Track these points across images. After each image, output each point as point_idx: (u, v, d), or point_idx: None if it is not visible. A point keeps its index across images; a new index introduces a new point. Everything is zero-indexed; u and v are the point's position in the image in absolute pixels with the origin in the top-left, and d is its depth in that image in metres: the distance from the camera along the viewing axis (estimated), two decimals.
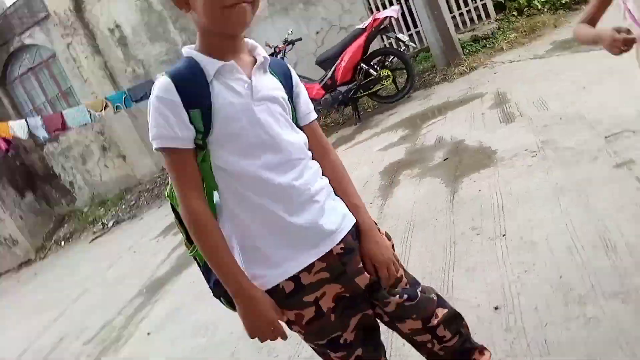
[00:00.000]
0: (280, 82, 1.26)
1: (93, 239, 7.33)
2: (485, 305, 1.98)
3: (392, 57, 5.76)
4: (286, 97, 1.25)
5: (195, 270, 2.53)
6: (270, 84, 1.22)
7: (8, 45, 8.65)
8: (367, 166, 4.29)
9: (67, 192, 9.35)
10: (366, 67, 5.63)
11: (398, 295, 1.31)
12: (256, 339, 1.19)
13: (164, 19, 7.77)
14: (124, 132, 8.37)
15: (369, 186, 3.81)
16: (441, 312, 1.37)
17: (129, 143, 8.43)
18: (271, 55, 5.82)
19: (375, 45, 5.83)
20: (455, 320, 1.42)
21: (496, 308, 1.93)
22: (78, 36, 8.06)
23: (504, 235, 2.37)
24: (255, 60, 1.21)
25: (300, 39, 6.20)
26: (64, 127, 6.87)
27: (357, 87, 5.75)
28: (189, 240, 1.28)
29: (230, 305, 1.25)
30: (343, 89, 5.82)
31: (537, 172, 2.80)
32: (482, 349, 1.47)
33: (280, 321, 1.20)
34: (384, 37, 6.26)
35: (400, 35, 5.62)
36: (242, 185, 1.17)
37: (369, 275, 1.27)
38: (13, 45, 8.65)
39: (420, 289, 1.37)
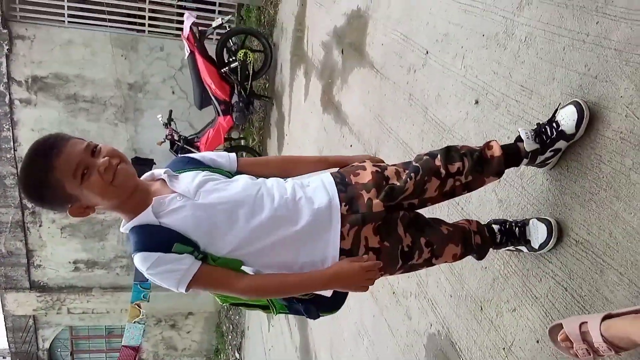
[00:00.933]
0: (191, 169, 1.44)
1: None
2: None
3: (233, 37, 5.79)
4: (207, 172, 1.44)
5: None
6: (187, 179, 1.40)
7: None
8: (311, 114, 4.41)
9: None
10: (227, 70, 5.67)
11: (406, 182, 1.47)
12: (369, 288, 1.39)
13: None
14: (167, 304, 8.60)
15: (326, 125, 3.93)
16: (438, 160, 1.51)
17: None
18: (172, 145, 6.01)
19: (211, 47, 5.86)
20: (450, 152, 1.54)
21: (476, 102, 2.10)
22: None
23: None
24: (163, 180, 1.41)
25: (171, 111, 6.25)
26: (137, 350, 7.15)
27: (240, 86, 5.81)
28: (267, 308, 1.53)
29: (329, 310, 1.53)
30: (235, 98, 5.89)
31: None
32: (487, 145, 1.58)
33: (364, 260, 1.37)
34: (211, 35, 6.26)
35: (215, 24, 5.62)
36: (249, 246, 1.36)
37: (378, 200, 1.44)
38: None
39: (414, 162, 1.53)
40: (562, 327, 1.39)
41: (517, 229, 1.73)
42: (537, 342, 1.72)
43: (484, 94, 2.05)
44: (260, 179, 1.47)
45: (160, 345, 9.21)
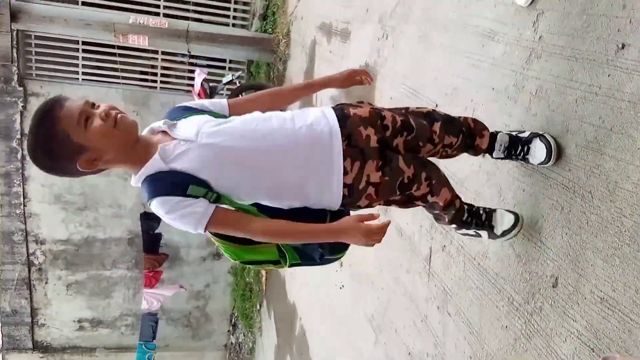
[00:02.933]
0: (187, 116, 1.51)
1: None
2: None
3: (243, 93, 5.91)
4: (203, 115, 1.51)
5: None
6: (186, 124, 1.47)
7: None
8: None
9: None
10: None
11: (400, 135, 1.55)
12: (376, 243, 1.47)
13: None
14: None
15: None
16: (437, 126, 1.60)
17: None
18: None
19: None
20: (451, 124, 1.65)
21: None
22: None
23: None
24: (164, 131, 1.48)
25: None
26: None
27: None
28: (283, 259, 1.59)
29: (339, 251, 1.62)
30: None
31: None
32: (480, 133, 1.73)
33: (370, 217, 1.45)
34: (222, 91, 6.41)
35: (225, 80, 5.76)
36: (258, 179, 1.45)
37: (374, 135, 1.51)
38: None
39: (411, 119, 1.58)
40: None
41: (484, 213, 1.83)
42: None
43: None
44: (256, 113, 1.53)
45: None
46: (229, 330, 8.35)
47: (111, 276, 7.78)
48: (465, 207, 1.81)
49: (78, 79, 6.90)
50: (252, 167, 1.44)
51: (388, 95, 3.14)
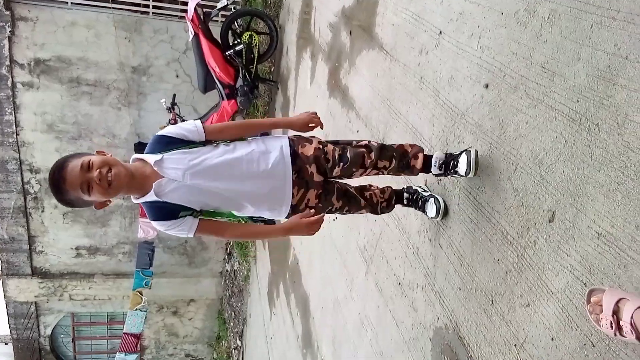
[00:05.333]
0: (170, 149, 1.83)
1: None
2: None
3: (238, 19, 5.66)
4: (184, 149, 1.84)
5: None
6: (173, 164, 1.82)
7: None
8: (317, 99, 4.29)
9: None
10: (232, 52, 5.55)
11: (337, 166, 2.02)
12: (315, 232, 1.90)
13: None
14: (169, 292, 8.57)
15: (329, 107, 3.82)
16: (369, 155, 2.05)
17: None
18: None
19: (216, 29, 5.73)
20: (384, 150, 2.10)
21: (486, 86, 1.98)
22: None
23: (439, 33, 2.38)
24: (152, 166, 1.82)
25: (174, 95, 6.14)
26: (139, 337, 7.11)
27: (245, 70, 5.69)
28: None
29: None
30: (239, 82, 5.77)
31: None
32: (415, 155, 2.13)
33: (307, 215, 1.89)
34: (216, 17, 6.13)
35: (220, 5, 5.49)
36: (231, 201, 1.92)
37: (316, 172, 2.00)
38: None
39: (348, 151, 2.03)
40: (602, 293, 1.31)
41: (420, 201, 2.34)
42: (552, 339, 1.63)
43: (501, 76, 1.93)
44: (228, 154, 1.89)
45: (162, 332, 9.19)
46: (224, 259, 8.53)
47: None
48: (403, 196, 2.40)
49: (67, 2, 6.57)
50: (227, 197, 1.89)
51: (390, 21, 2.97)
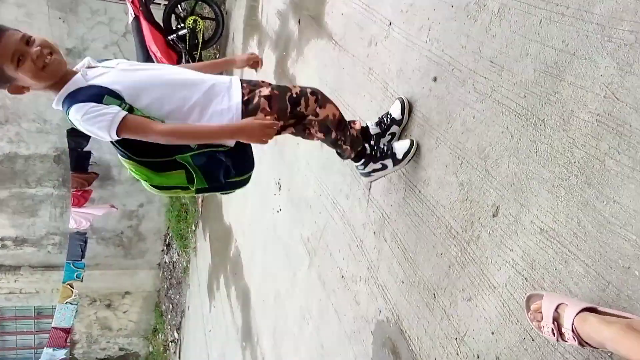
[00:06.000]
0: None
1: None
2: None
3: (182, 3, 5.42)
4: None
5: None
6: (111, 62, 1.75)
7: None
8: None
9: None
10: (174, 37, 5.31)
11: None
12: (269, 141, 1.70)
13: None
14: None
15: None
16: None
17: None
18: None
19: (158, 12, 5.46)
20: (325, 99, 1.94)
21: (435, 79, 1.96)
22: None
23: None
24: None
25: None
26: (69, 332, 6.75)
27: (188, 55, 5.46)
28: (191, 184, 1.78)
29: (243, 172, 1.87)
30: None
31: None
32: (352, 122, 2.09)
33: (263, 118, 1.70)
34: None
35: None
36: (166, 100, 1.68)
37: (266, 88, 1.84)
38: None
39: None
40: (541, 299, 1.31)
41: (384, 146, 2.13)
42: (492, 333, 1.63)
43: (449, 69, 1.92)
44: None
45: (94, 326, 8.77)
46: (162, 250, 8.24)
47: (36, 194, 7.33)
48: (361, 136, 2.10)
49: None
50: (165, 85, 1.68)
51: (339, 10, 2.91)
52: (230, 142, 1.76)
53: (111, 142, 1.66)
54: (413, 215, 2.10)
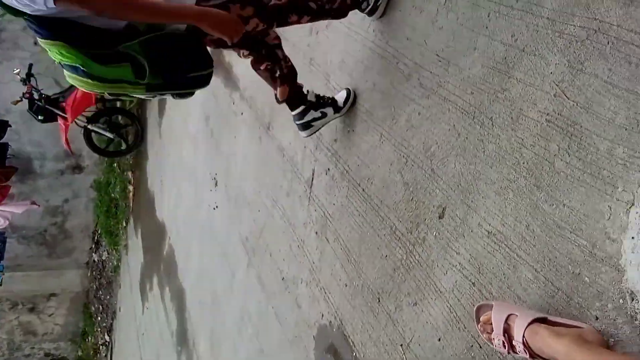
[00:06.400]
0: None
1: None
2: None
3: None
4: None
5: None
6: None
7: None
8: None
9: None
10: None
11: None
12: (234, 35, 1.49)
13: None
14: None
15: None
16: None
17: None
18: (31, 104, 5.16)
19: None
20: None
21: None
22: None
23: None
24: None
25: (31, 65, 5.36)
26: None
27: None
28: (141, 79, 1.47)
29: (201, 67, 1.58)
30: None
31: None
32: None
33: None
34: None
35: None
36: None
37: None
38: None
39: None
40: (490, 309, 1.24)
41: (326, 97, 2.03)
42: (439, 340, 1.57)
43: (394, 62, 1.82)
44: None
45: (17, 332, 8.14)
46: (91, 248, 7.76)
47: None
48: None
49: None
50: None
51: None
52: (183, 26, 1.50)
53: (32, 23, 1.36)
54: (356, 215, 2.00)
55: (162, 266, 4.89)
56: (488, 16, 1.45)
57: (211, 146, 3.68)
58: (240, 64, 3.26)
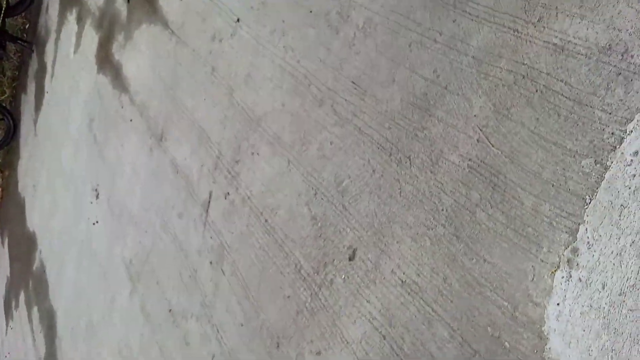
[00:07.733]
0: None
1: None
2: None
3: None
4: None
5: None
6: None
7: None
8: (83, 72, 3.50)
9: None
10: None
11: None
12: None
13: None
14: None
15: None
16: None
17: None
18: None
19: None
20: None
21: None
22: None
23: None
24: None
25: None
26: None
27: None
28: None
29: None
30: None
31: None
32: None
33: None
34: None
35: None
36: None
37: None
38: None
39: None
40: None
41: None
42: None
43: (306, 84, 1.66)
44: None
45: None
46: None
47: None
48: None
49: None
50: None
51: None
52: None
53: None
54: (257, 247, 1.81)
55: (31, 282, 4.28)
56: (409, 47, 1.34)
57: (94, 153, 3.26)
58: (130, 62, 2.91)
